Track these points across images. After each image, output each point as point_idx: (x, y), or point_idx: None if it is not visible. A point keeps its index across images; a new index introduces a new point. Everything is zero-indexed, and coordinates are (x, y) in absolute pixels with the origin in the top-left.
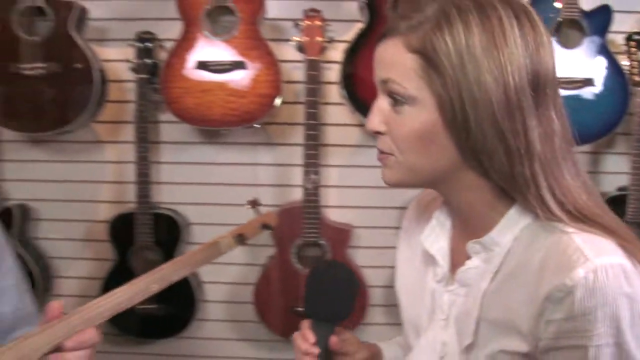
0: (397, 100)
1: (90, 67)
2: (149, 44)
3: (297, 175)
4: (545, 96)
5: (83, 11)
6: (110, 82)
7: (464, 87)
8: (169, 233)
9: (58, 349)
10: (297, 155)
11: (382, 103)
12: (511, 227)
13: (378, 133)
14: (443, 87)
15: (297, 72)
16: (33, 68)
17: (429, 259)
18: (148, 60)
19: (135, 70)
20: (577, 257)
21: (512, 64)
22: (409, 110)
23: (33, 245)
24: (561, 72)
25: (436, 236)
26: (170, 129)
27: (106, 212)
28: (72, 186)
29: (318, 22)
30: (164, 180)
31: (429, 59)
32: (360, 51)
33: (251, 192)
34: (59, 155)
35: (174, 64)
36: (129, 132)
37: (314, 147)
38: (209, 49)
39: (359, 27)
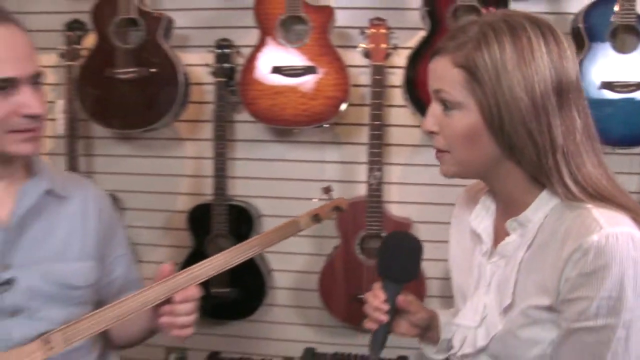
0: (447, 106)
1: (176, 71)
2: (227, 50)
3: (361, 172)
4: (568, 99)
5: (169, 21)
6: (191, 84)
7: (499, 95)
8: (242, 223)
9: (169, 300)
10: (362, 153)
11: (435, 108)
12: (542, 207)
13: (432, 132)
14: (483, 95)
15: (363, 77)
16: (126, 72)
17: (476, 238)
18: (226, 65)
19: (214, 74)
20: (593, 226)
21: (538, 75)
22: (457, 114)
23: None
24: (617, 76)
25: (482, 218)
26: (245, 127)
27: (185, 203)
28: (156, 179)
29: (383, 30)
30: (238, 174)
31: (471, 73)
32: (422, 57)
33: (318, 188)
34: (144, 150)
35: (252, 68)
36: (207, 131)
37: (378, 146)
38: (283, 55)
39: (421, 34)
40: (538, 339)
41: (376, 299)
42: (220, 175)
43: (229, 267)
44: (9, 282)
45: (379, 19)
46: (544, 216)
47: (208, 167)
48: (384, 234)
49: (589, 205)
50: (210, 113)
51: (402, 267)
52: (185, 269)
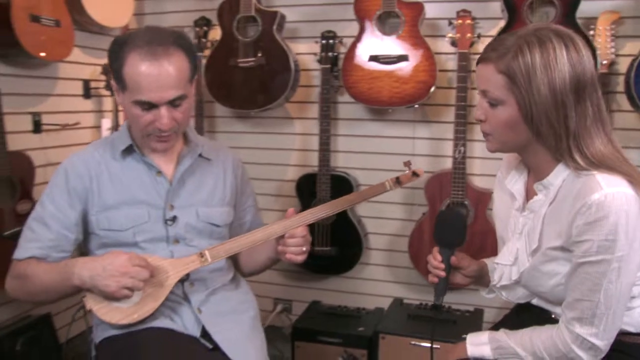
0: (492, 103)
1: (288, 59)
2: (331, 40)
3: (448, 148)
4: (584, 94)
5: (282, 17)
6: (301, 70)
7: (530, 95)
8: (342, 190)
9: (282, 237)
10: (448, 131)
11: (482, 102)
12: (560, 174)
13: (481, 120)
14: (519, 94)
15: (450, 62)
16: (246, 61)
17: (512, 196)
18: (330, 54)
19: (320, 61)
20: (596, 187)
21: (559, 79)
22: (500, 108)
23: None
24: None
25: (515, 181)
26: (346, 108)
27: (292, 174)
28: (269, 152)
29: (469, 21)
30: (340, 149)
31: (510, 77)
32: None
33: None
34: (259, 128)
35: (352, 56)
36: (314, 111)
37: (462, 125)
38: (379, 45)
39: (501, 25)
40: (555, 272)
41: (434, 260)
42: (325, 149)
43: (331, 214)
44: (174, 219)
45: (465, 11)
46: (562, 181)
47: (314, 142)
48: (466, 202)
49: (594, 172)
50: (317, 95)
51: (452, 236)
52: (298, 214)
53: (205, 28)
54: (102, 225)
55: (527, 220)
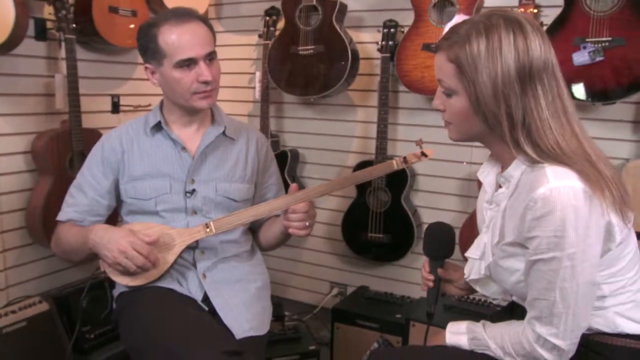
0: (446, 92)
1: (346, 48)
2: (392, 29)
3: None
4: (533, 82)
5: (343, 6)
6: (362, 59)
7: (476, 84)
8: (398, 179)
9: (286, 211)
10: None
11: (439, 92)
12: (519, 166)
13: (439, 110)
14: (466, 84)
15: None
16: (306, 49)
17: (483, 188)
18: (391, 42)
19: (380, 50)
20: (543, 181)
21: (503, 67)
22: (454, 98)
23: (299, 180)
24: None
25: (487, 173)
26: (406, 97)
27: (353, 160)
28: (329, 138)
29: (532, 9)
30: (398, 138)
31: (458, 66)
32: (554, 35)
33: (466, 152)
34: (321, 114)
35: (406, 45)
36: (374, 99)
37: None
38: (432, 33)
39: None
40: (514, 268)
41: (424, 271)
42: (382, 137)
43: (330, 192)
44: (192, 192)
45: None
46: (521, 173)
47: (373, 130)
48: None
49: (546, 165)
50: (377, 84)
51: (438, 248)
52: (302, 190)
53: (274, 17)
54: (129, 194)
55: (493, 213)
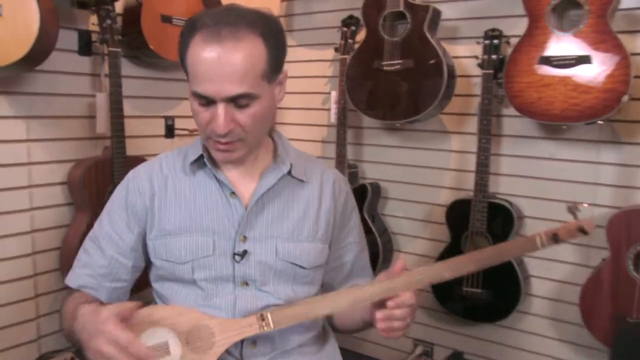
0: None
1: (441, 63)
2: (496, 41)
3: None
4: None
5: (436, 12)
6: (458, 77)
7: None
8: (501, 223)
9: (382, 302)
10: None
11: None
12: None
13: None
14: None
15: None
16: (391, 64)
17: None
18: (494, 56)
19: (481, 65)
20: None
21: None
22: None
23: (380, 219)
24: None
25: None
26: (512, 122)
27: (446, 197)
28: (418, 171)
29: None
30: (502, 171)
31: None
32: None
33: (590, 191)
34: (409, 142)
35: (518, 59)
36: (472, 124)
37: None
38: (553, 43)
39: None
40: None
41: None
42: (483, 170)
43: (450, 278)
44: (244, 254)
45: None
46: None
47: (471, 161)
48: None
49: None
50: (476, 106)
51: None
52: (407, 272)
53: (353, 28)
54: (158, 254)
55: None
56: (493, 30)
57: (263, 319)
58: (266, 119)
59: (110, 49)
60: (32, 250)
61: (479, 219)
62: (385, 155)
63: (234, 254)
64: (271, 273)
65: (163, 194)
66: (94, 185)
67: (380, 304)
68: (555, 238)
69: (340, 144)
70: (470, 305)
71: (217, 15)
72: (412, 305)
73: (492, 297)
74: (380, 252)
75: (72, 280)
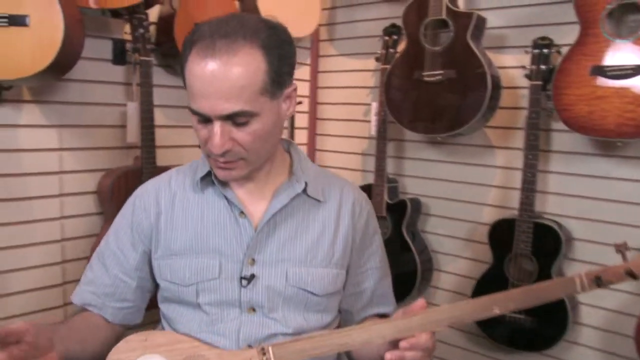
0: None
1: (485, 73)
2: (546, 50)
3: None
4: None
5: (481, 20)
6: (504, 88)
7: None
8: (548, 245)
9: (396, 342)
10: None
11: None
12: None
13: None
14: None
15: None
16: (433, 75)
17: None
18: (543, 67)
19: (529, 76)
20: None
21: None
22: None
23: (420, 237)
24: None
25: None
26: (562, 137)
27: (489, 216)
28: (461, 187)
29: None
30: (550, 190)
31: None
32: None
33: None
34: (451, 156)
35: (568, 69)
36: (519, 139)
37: None
38: (607, 52)
39: None
40: None
41: None
42: (530, 188)
43: (474, 319)
44: (252, 278)
45: None
46: None
47: (517, 178)
48: None
49: None
50: (523, 119)
51: None
52: (427, 311)
53: (395, 37)
54: (163, 275)
55: None
56: (543, 38)
57: (264, 353)
58: (269, 137)
59: (142, 58)
60: (61, 259)
61: (523, 240)
62: (427, 170)
63: (241, 277)
64: (280, 299)
65: (170, 212)
66: (123, 195)
67: (395, 343)
68: (598, 281)
69: (380, 157)
70: (512, 332)
71: (214, 26)
72: (428, 349)
73: (536, 324)
74: (418, 271)
75: (76, 297)
